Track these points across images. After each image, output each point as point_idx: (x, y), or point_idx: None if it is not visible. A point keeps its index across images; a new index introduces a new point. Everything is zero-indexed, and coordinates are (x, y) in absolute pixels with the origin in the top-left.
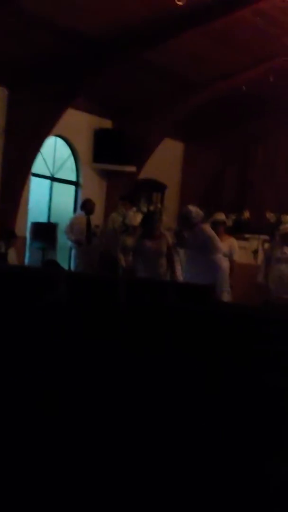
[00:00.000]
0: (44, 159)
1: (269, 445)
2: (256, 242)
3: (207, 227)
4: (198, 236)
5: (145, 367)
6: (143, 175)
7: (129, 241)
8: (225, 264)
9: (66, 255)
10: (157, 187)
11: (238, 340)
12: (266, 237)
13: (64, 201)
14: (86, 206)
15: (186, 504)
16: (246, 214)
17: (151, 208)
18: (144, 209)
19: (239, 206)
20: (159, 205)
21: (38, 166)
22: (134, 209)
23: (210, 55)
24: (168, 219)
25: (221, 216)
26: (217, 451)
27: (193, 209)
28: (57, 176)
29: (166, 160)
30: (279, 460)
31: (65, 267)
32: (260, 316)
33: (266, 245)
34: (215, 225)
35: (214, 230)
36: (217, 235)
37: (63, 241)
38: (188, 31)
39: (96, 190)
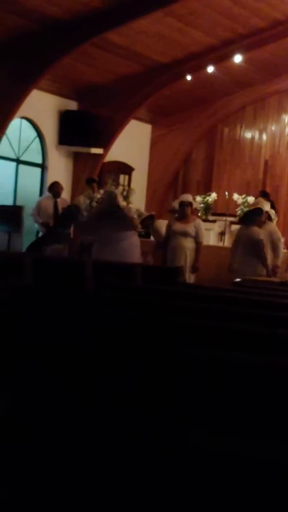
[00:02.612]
0: (9, 141)
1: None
2: (223, 223)
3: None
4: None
5: (112, 347)
6: (110, 157)
7: None
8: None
9: (32, 238)
10: (124, 169)
11: (202, 319)
12: (232, 218)
13: (30, 183)
14: (53, 188)
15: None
16: (213, 196)
17: (118, 190)
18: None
19: (206, 188)
20: (126, 187)
21: (4, 148)
22: (102, 191)
23: (176, 36)
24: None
25: (187, 198)
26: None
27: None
28: (22, 158)
29: (133, 142)
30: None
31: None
32: (217, 295)
33: (233, 227)
34: (182, 207)
35: (181, 212)
36: (184, 216)
37: (29, 224)
38: (153, 12)
39: (62, 172)
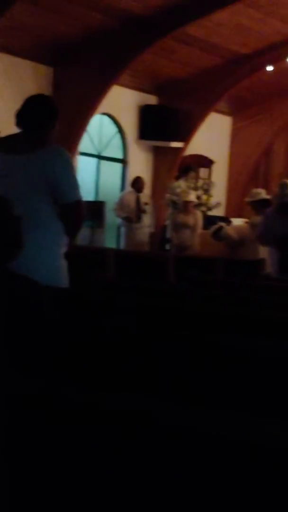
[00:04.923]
0: (90, 137)
1: None
2: None
3: None
4: None
5: (194, 343)
6: (190, 150)
7: (180, 217)
8: None
9: (113, 233)
10: (204, 162)
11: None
12: None
13: (111, 179)
14: (136, 184)
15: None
16: None
17: (199, 184)
18: (192, 185)
19: None
20: (206, 181)
21: (85, 144)
22: (182, 182)
23: (256, 27)
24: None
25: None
26: None
27: None
28: (103, 154)
29: (213, 135)
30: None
31: (113, 245)
32: None
33: None
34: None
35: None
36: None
37: (111, 219)
38: (232, 3)
39: (142, 167)
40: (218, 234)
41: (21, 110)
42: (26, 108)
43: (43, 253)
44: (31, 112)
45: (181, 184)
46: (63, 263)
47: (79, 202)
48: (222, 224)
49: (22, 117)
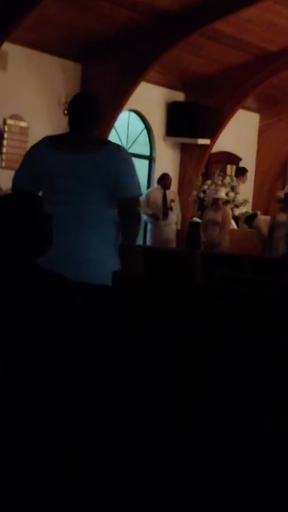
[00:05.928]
0: (117, 134)
1: None
2: None
3: None
4: None
5: (222, 341)
6: (217, 147)
7: (210, 214)
8: None
9: (140, 230)
10: (232, 159)
11: None
12: None
13: (138, 175)
14: (163, 180)
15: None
16: None
17: (225, 181)
18: (219, 182)
19: None
20: (233, 178)
21: (112, 141)
22: (209, 182)
23: (285, 24)
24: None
25: None
26: None
27: None
28: (131, 151)
29: (241, 132)
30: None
31: (140, 242)
32: None
33: None
34: (286, 197)
35: (285, 202)
36: None
37: None
38: (262, 0)
39: (169, 164)
40: (250, 221)
41: (73, 110)
42: (77, 108)
43: (98, 251)
44: (83, 112)
45: (209, 181)
46: (117, 262)
47: (137, 198)
48: (258, 212)
49: (73, 116)
